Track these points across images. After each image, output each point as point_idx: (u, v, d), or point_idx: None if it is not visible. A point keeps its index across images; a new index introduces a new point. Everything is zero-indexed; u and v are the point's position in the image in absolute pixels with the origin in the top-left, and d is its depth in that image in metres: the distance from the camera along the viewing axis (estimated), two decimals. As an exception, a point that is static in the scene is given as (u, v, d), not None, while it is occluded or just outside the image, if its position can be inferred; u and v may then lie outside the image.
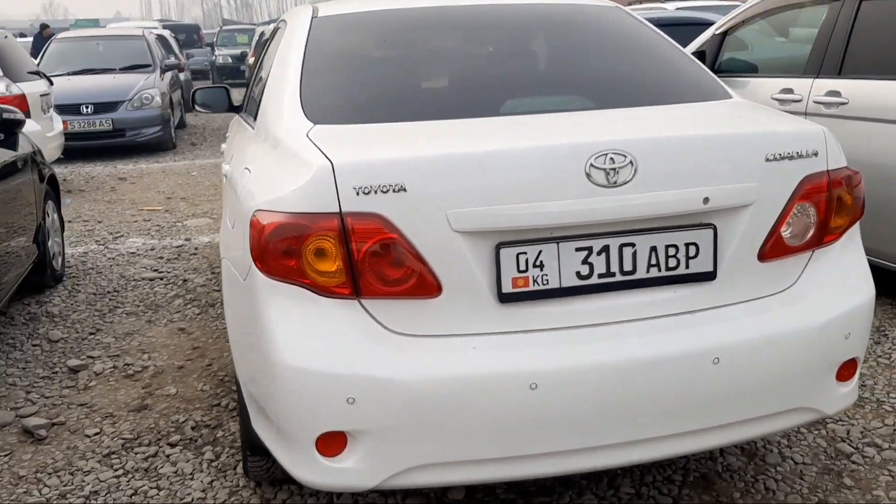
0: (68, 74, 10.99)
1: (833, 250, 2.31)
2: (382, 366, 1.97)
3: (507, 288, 2.03)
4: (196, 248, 6.07)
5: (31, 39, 17.83)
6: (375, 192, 1.95)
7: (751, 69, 5.10)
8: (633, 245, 2.09)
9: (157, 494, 2.79)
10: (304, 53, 2.69)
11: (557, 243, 2.05)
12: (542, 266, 2.04)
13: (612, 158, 2.03)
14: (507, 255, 2.02)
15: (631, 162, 2.04)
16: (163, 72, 11.58)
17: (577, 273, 2.07)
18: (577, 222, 2.03)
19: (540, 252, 2.04)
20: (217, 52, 24.28)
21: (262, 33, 16.82)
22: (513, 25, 2.91)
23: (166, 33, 15.49)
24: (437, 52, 2.75)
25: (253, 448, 2.47)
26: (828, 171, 2.24)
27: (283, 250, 1.99)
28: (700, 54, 5.27)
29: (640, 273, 2.11)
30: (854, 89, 4.16)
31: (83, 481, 2.90)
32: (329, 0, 3.26)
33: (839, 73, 4.30)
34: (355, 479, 2.01)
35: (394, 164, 1.98)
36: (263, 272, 2.03)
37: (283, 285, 2.02)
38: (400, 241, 1.97)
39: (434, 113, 2.38)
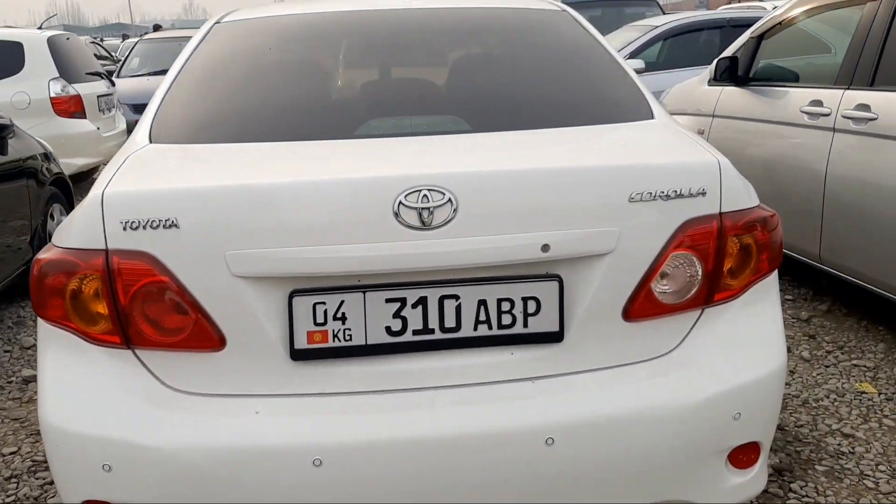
0: (147, 75, 11.20)
1: (730, 310, 1.90)
2: (143, 429, 1.71)
3: (301, 343, 1.74)
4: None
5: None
6: (144, 227, 1.70)
7: (790, 77, 4.56)
8: (456, 298, 1.76)
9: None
10: (185, 64, 2.47)
11: (364, 293, 1.74)
12: (344, 319, 1.74)
13: (426, 196, 1.70)
14: (302, 305, 1.73)
15: (450, 200, 1.71)
16: None
17: (388, 328, 1.76)
18: (386, 269, 1.72)
19: (342, 302, 1.74)
20: None
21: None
22: (425, 35, 2.59)
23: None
24: (320, 64, 2.46)
25: None
26: (720, 213, 1.84)
27: (51, 289, 1.76)
28: (733, 60, 4.76)
29: (466, 331, 1.77)
30: (885, 103, 3.61)
31: (-34, 505, 2.78)
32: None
33: (871, 83, 3.75)
34: None
35: (165, 196, 1.72)
36: (39, 314, 1.82)
37: (58, 331, 1.81)
38: (171, 284, 1.71)
39: (282, 134, 2.10)
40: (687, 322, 1.86)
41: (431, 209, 1.70)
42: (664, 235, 1.80)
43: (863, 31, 3.87)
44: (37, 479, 2.94)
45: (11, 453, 3.14)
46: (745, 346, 1.88)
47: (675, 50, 7.98)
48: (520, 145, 1.95)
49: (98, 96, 8.21)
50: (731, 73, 4.78)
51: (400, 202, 1.69)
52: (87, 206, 1.74)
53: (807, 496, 2.63)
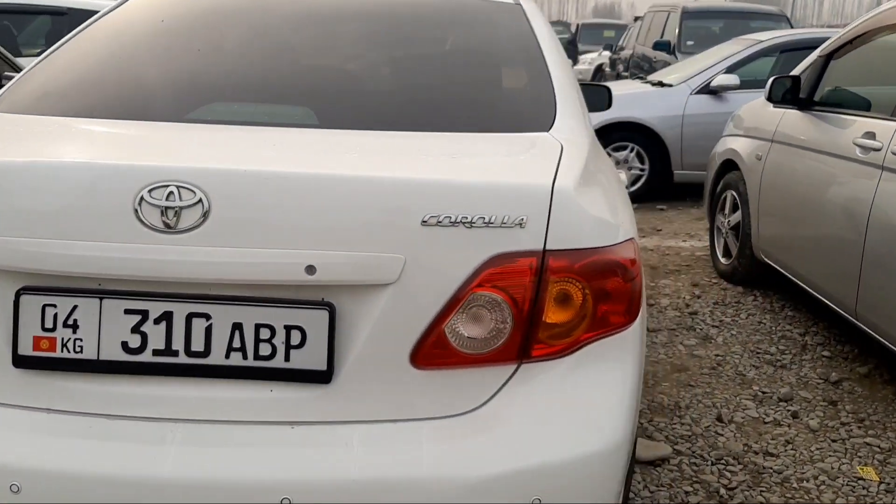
0: None
1: (556, 370, 1.54)
2: None
3: (26, 349, 1.52)
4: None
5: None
6: None
7: (861, 105, 3.99)
8: (207, 317, 1.49)
9: None
10: (79, 33, 2.31)
11: (101, 299, 1.50)
12: (75, 327, 1.51)
13: (173, 193, 1.45)
14: (30, 305, 1.51)
15: (201, 201, 1.45)
16: None
17: (124, 344, 1.51)
18: (123, 275, 1.48)
19: (75, 307, 1.51)
20: None
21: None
22: (336, 22, 2.33)
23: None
24: (199, 43, 2.24)
25: None
26: (544, 251, 1.49)
27: None
28: (795, 80, 4.23)
29: (216, 358, 1.50)
30: (938, 140, 3.06)
31: None
32: None
33: (928, 116, 3.19)
34: None
35: None
36: None
37: None
38: None
39: (114, 111, 1.90)
40: (496, 378, 1.52)
41: (178, 209, 1.44)
42: (465, 270, 1.47)
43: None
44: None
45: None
46: (566, 418, 1.52)
47: (788, 67, 7.33)
48: (339, 146, 1.66)
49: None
50: (793, 95, 4.24)
51: (142, 198, 1.45)
52: None
53: None
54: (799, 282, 4.05)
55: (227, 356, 1.50)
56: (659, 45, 11.27)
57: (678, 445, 3.01)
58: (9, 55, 5.02)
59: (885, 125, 3.40)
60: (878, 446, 3.05)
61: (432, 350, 1.49)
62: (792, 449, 3.02)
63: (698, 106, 7.23)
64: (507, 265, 1.48)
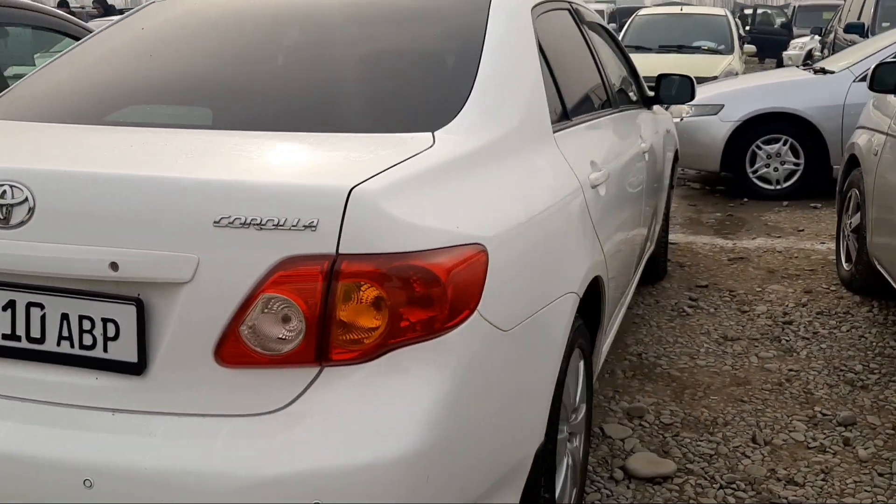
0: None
1: (358, 375, 1.52)
2: None
3: None
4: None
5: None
6: None
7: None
8: (41, 307, 1.61)
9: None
10: (88, 40, 2.54)
11: None
12: None
13: (6, 191, 1.58)
14: None
15: (27, 199, 1.57)
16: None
17: None
18: None
19: None
20: None
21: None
22: (295, 25, 2.37)
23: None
24: (162, 49, 2.36)
25: None
26: (337, 254, 1.47)
27: None
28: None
29: (50, 345, 1.62)
30: None
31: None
32: None
33: None
34: None
35: None
36: None
37: None
38: None
39: (51, 114, 2.08)
40: (300, 380, 1.52)
41: (10, 206, 1.57)
42: (257, 271, 1.48)
43: None
44: None
45: None
46: (359, 424, 1.49)
47: None
48: (183, 147, 1.72)
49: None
50: (907, 83, 3.78)
51: None
52: None
53: None
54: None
55: (59, 344, 1.61)
56: (851, 28, 10.31)
57: (693, 464, 2.80)
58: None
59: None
60: (933, 485, 2.68)
61: (233, 349, 1.52)
62: (823, 479, 2.72)
63: (862, 95, 6.55)
64: (297, 268, 1.47)
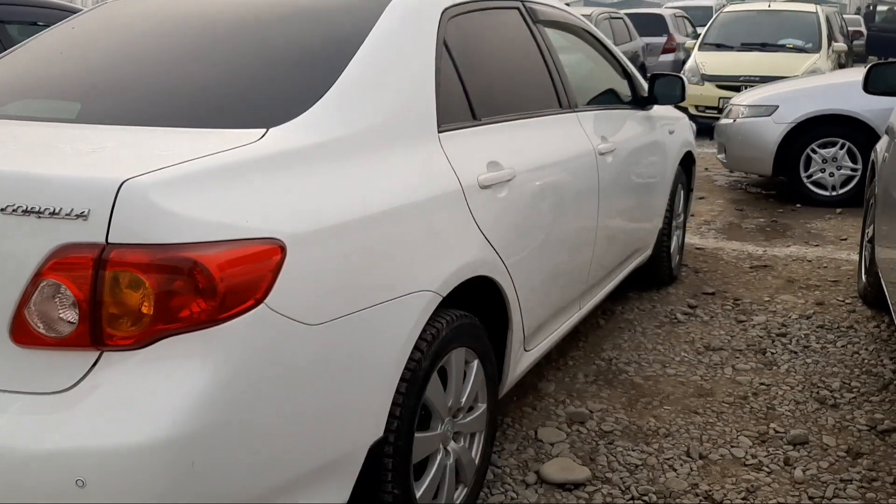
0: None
1: (132, 361, 1.58)
2: None
3: None
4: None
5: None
6: None
7: None
8: None
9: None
10: (36, 36, 2.71)
11: None
12: None
13: None
14: None
15: None
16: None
17: None
18: None
19: None
20: None
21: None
22: (210, 21, 2.46)
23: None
24: (81, 48, 2.48)
25: None
26: (106, 244, 1.54)
27: None
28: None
29: None
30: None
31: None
32: None
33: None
34: None
35: None
36: None
37: None
38: None
39: None
40: (83, 362, 1.60)
41: None
42: (36, 258, 1.57)
43: None
44: None
45: None
46: (126, 407, 1.55)
47: None
48: (15, 139, 1.83)
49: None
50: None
51: None
52: None
53: None
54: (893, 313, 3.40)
55: None
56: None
57: (613, 474, 2.74)
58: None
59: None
60: (860, 513, 2.54)
61: (22, 330, 1.60)
62: (744, 499, 2.61)
63: (927, 97, 6.16)
64: (70, 255, 1.54)
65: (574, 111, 3.15)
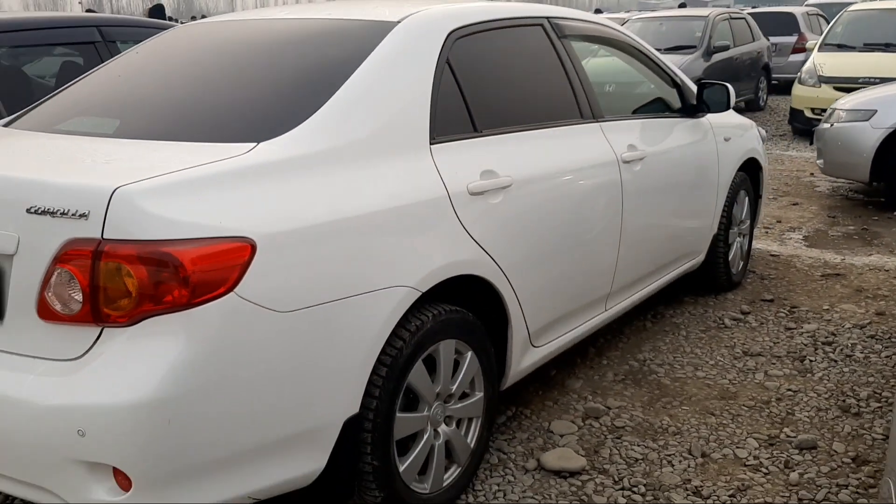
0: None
1: (124, 336, 1.92)
2: None
3: None
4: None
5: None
6: None
7: None
8: None
9: None
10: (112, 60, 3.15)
11: None
12: None
13: None
14: None
15: None
16: None
17: None
18: None
19: None
20: None
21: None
22: (244, 45, 2.82)
23: None
24: (131, 69, 2.88)
25: None
26: (101, 239, 1.89)
27: None
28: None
29: None
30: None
31: None
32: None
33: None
34: None
35: None
36: None
37: None
38: None
39: (25, 122, 2.69)
40: (90, 336, 1.96)
41: None
42: (52, 248, 1.94)
43: None
44: None
45: None
46: (118, 373, 1.89)
47: None
48: (46, 150, 2.24)
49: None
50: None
51: None
52: None
53: None
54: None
55: None
56: None
57: (611, 465, 2.91)
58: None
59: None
60: (843, 516, 2.61)
61: (45, 307, 1.98)
62: (732, 496, 2.72)
63: None
64: (76, 248, 1.90)
65: (598, 121, 3.31)
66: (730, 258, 4.56)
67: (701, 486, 2.77)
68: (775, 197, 7.19)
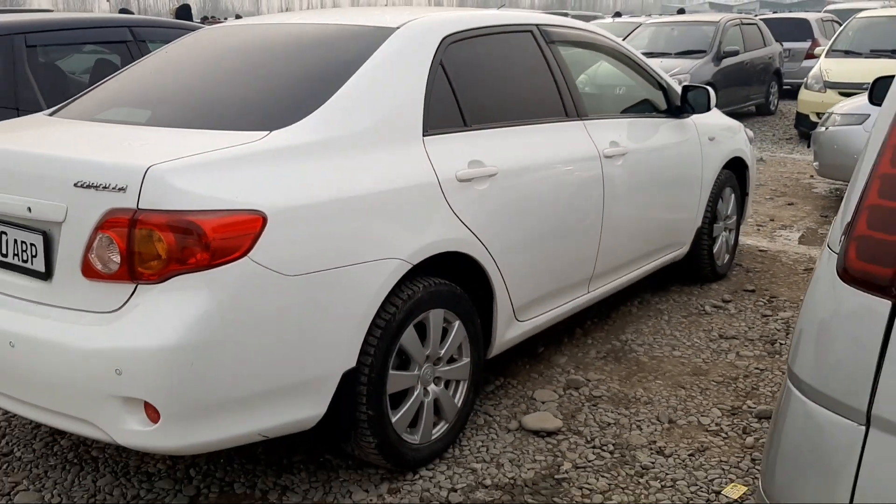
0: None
1: (155, 291, 2.27)
2: None
3: None
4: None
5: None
6: None
7: None
8: (5, 234, 2.54)
9: None
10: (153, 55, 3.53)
11: None
12: None
13: None
14: None
15: None
16: None
17: None
18: None
19: None
20: None
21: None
22: (264, 46, 3.17)
23: None
24: (175, 65, 3.26)
25: None
26: (137, 208, 2.24)
27: None
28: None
29: (10, 257, 2.54)
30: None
31: None
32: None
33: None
34: None
35: None
36: None
37: None
38: None
39: (66, 111, 3.06)
40: (126, 292, 2.31)
41: None
42: (94, 217, 2.29)
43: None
44: None
45: None
46: (149, 322, 2.25)
47: None
48: (87, 137, 2.61)
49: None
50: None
51: None
52: None
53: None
54: None
55: (12, 257, 2.53)
56: None
57: (585, 428, 3.23)
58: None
59: None
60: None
61: (88, 267, 2.34)
62: (690, 454, 3.04)
63: None
64: (115, 216, 2.26)
65: (581, 119, 3.64)
66: (714, 251, 4.86)
67: (664, 447, 3.09)
68: (772, 197, 7.47)
